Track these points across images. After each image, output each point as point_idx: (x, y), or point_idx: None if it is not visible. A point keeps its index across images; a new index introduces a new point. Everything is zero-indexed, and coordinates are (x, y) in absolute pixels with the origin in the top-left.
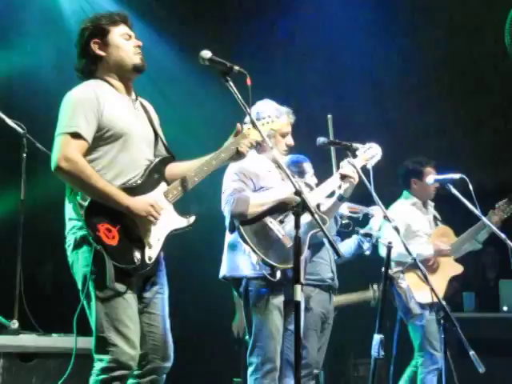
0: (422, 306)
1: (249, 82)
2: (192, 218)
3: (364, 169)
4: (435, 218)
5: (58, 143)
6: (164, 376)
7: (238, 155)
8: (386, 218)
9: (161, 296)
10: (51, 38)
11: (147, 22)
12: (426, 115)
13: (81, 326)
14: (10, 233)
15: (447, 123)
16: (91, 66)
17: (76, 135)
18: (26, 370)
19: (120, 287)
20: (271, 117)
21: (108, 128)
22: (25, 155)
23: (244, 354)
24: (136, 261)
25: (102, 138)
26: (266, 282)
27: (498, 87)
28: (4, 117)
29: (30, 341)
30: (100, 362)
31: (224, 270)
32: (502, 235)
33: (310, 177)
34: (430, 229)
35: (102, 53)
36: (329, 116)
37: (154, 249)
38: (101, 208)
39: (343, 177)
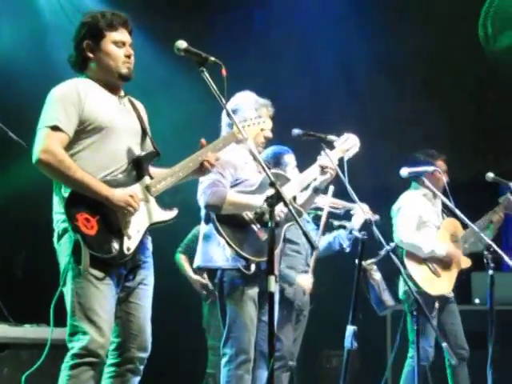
0: (431, 298)
1: (224, 72)
2: (174, 212)
3: (341, 161)
4: (443, 210)
5: (38, 137)
6: (141, 366)
7: (201, 170)
8: (367, 219)
9: (144, 287)
10: (25, 27)
11: (121, 10)
12: (401, 106)
13: (56, 316)
14: None
15: (423, 114)
16: (80, 62)
17: (56, 128)
18: None
19: (95, 276)
20: (261, 117)
21: (90, 121)
22: None
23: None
24: (114, 251)
25: (84, 131)
26: (241, 273)
27: (473, 78)
28: None
29: (1, 331)
30: (72, 349)
31: (198, 261)
32: (475, 228)
33: (292, 169)
34: (439, 221)
35: (91, 55)
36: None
37: (133, 240)
38: (81, 198)
39: (322, 168)
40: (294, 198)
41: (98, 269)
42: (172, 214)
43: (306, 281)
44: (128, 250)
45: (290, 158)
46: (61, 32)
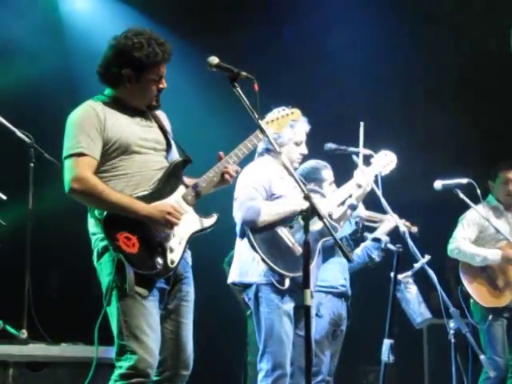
0: (487, 310)
1: (256, 87)
2: (214, 218)
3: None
4: None
5: (66, 166)
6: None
7: (222, 181)
8: (401, 232)
9: (186, 303)
10: (57, 47)
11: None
12: (433, 122)
13: (90, 334)
14: (18, 243)
15: (454, 130)
16: (112, 82)
17: (82, 154)
18: (35, 379)
19: (141, 294)
20: (287, 108)
21: (113, 142)
22: (32, 165)
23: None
24: (158, 266)
25: (109, 152)
26: (276, 288)
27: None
28: (11, 127)
29: (39, 350)
30: (119, 369)
31: (234, 276)
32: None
33: (328, 184)
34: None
35: (127, 84)
36: (361, 123)
37: (176, 252)
38: (118, 218)
39: (358, 186)
40: (330, 215)
41: (142, 286)
42: (212, 220)
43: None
44: (172, 262)
45: (327, 174)
46: (90, 48)
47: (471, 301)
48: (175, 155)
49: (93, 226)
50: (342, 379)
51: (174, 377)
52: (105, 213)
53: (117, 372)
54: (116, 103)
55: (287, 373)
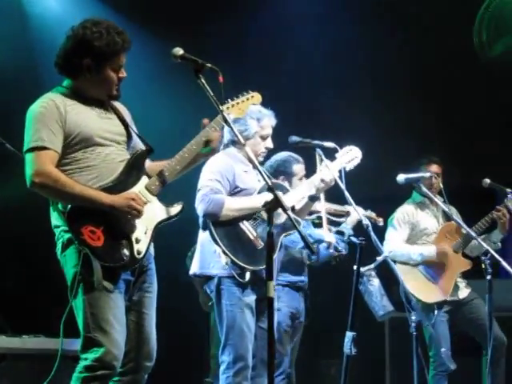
0: (430, 306)
1: (221, 79)
2: (179, 207)
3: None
4: (445, 214)
5: (28, 160)
6: (146, 375)
7: (208, 146)
8: (364, 225)
9: (149, 295)
10: (15, 37)
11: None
12: (395, 114)
13: (53, 327)
14: None
15: (416, 122)
16: (71, 72)
17: (43, 148)
18: None
19: (108, 287)
20: (248, 93)
21: (75, 134)
22: None
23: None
24: (125, 258)
25: (70, 145)
26: (237, 281)
27: (469, 87)
28: None
29: None
30: (84, 361)
31: (195, 268)
32: (472, 233)
33: (298, 179)
34: (439, 226)
35: (87, 74)
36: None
37: (142, 243)
38: (82, 211)
39: (321, 180)
40: (293, 208)
41: (108, 278)
42: (177, 208)
43: (330, 236)
44: (139, 253)
45: (298, 168)
46: (50, 37)
47: (413, 299)
48: (137, 146)
49: (56, 219)
50: (304, 372)
51: (137, 368)
52: (68, 206)
53: (82, 364)
54: (76, 95)
55: (249, 365)
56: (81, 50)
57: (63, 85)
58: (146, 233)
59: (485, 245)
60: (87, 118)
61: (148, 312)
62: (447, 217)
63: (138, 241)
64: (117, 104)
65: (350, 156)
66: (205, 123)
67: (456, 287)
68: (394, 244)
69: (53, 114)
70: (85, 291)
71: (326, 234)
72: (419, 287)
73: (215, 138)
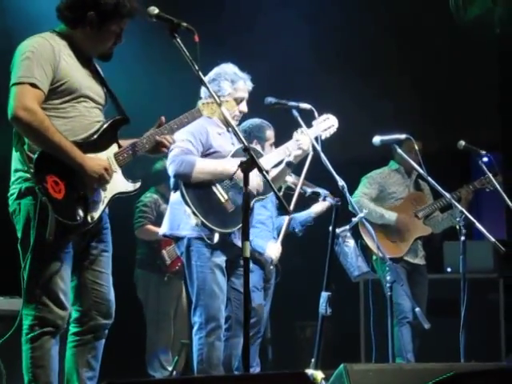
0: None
1: (196, 38)
2: (138, 184)
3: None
4: (417, 186)
5: (15, 92)
6: (106, 332)
7: (155, 149)
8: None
9: (106, 254)
10: None
11: None
12: (372, 80)
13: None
14: None
15: (393, 87)
16: (71, 22)
17: (34, 86)
18: None
19: (58, 244)
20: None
21: (62, 82)
22: None
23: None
24: (78, 218)
25: (56, 91)
26: (207, 242)
27: (443, 50)
28: None
29: None
30: (27, 319)
31: (165, 228)
32: (447, 195)
33: (269, 145)
34: (406, 194)
35: (88, 27)
36: None
37: (97, 209)
38: (51, 160)
39: (298, 147)
40: (267, 172)
41: (60, 236)
42: (136, 185)
43: (273, 250)
44: (92, 218)
45: (270, 134)
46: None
47: (373, 256)
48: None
49: (19, 162)
50: (279, 335)
51: (97, 326)
52: (37, 152)
53: (26, 323)
54: (70, 44)
55: (221, 325)
56: (89, 2)
57: (57, 30)
58: (103, 201)
59: (460, 206)
60: (77, 71)
61: (105, 271)
62: (418, 188)
63: (94, 206)
64: (98, 67)
65: (327, 124)
66: (161, 122)
67: (414, 251)
68: (362, 198)
69: (48, 55)
70: (34, 245)
71: (270, 248)
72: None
73: (165, 145)
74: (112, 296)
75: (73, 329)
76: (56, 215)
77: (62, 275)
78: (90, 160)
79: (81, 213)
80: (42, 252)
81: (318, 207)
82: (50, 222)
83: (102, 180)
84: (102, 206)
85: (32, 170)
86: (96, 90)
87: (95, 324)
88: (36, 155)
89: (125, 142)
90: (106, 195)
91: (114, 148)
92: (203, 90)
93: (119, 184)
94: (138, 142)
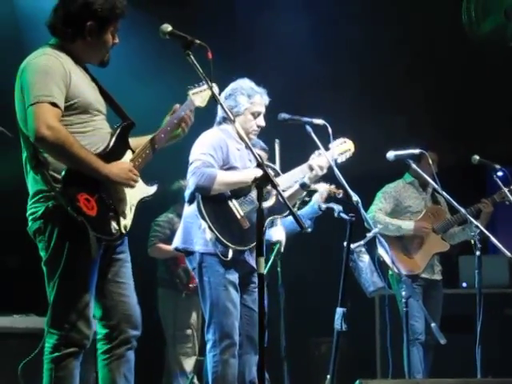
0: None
1: (210, 55)
2: (155, 187)
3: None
4: (434, 199)
5: (36, 113)
6: (135, 343)
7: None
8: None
9: (127, 264)
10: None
11: None
12: (384, 94)
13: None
14: None
15: (406, 101)
16: (70, 36)
17: (54, 105)
18: None
19: (91, 262)
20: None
21: (75, 98)
22: None
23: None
24: (114, 231)
25: (71, 108)
26: (220, 258)
27: (456, 65)
28: None
29: None
30: (51, 338)
31: (178, 242)
32: (462, 210)
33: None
34: (425, 208)
35: (88, 38)
36: (276, 140)
37: (128, 218)
38: (78, 177)
39: (311, 169)
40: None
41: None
42: (154, 188)
43: (278, 233)
44: (125, 228)
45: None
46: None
47: (389, 272)
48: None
49: (39, 183)
50: (294, 351)
51: (128, 339)
52: (64, 170)
53: (49, 342)
54: (71, 57)
55: (235, 342)
56: (85, 13)
57: (54, 43)
58: (131, 208)
59: (475, 221)
60: (85, 84)
61: (130, 282)
62: (435, 202)
63: (124, 216)
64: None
65: (344, 148)
66: (175, 109)
67: (430, 266)
68: (376, 213)
69: (60, 72)
70: (67, 264)
71: (275, 233)
72: (395, 259)
73: (187, 121)
74: (137, 307)
75: (103, 346)
76: (94, 233)
77: (91, 292)
78: (113, 167)
79: (115, 225)
80: (73, 271)
81: (317, 196)
82: (91, 240)
83: (130, 181)
84: (130, 215)
85: (60, 190)
86: (100, 101)
87: (126, 337)
88: (63, 174)
89: (133, 141)
90: (132, 203)
91: (128, 154)
92: (219, 106)
93: (142, 189)
94: (155, 137)
